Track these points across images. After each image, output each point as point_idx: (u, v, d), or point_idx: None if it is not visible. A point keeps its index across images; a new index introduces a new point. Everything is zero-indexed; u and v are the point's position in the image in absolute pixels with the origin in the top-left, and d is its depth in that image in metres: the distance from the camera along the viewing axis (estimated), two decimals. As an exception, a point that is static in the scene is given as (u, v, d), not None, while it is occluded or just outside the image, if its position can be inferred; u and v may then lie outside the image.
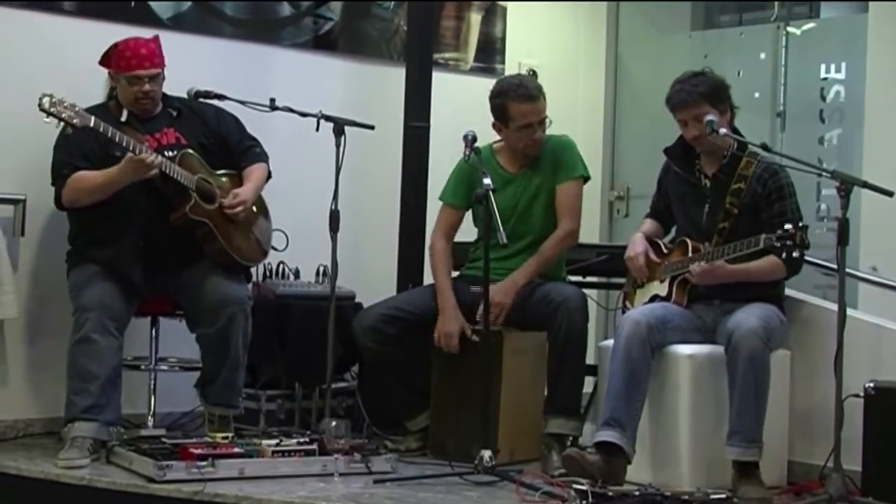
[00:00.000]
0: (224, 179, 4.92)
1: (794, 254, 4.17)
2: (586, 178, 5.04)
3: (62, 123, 4.44)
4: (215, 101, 5.01)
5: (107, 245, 4.67)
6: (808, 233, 4.18)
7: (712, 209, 4.61)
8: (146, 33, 4.88)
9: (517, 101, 4.86)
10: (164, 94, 4.87)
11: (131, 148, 4.53)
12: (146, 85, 4.74)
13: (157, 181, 4.63)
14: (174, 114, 4.89)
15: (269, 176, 5.05)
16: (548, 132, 4.99)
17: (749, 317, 4.39)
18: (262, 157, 5.06)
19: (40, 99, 4.36)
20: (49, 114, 4.37)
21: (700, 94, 4.53)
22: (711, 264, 4.45)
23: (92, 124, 4.46)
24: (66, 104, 4.40)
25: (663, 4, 7.09)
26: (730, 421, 4.35)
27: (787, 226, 4.18)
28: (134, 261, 4.68)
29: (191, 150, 4.82)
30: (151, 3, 5.36)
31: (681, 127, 4.62)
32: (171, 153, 4.75)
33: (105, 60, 4.76)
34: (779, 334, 4.51)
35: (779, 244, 4.18)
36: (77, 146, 4.63)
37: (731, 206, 4.56)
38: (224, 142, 4.99)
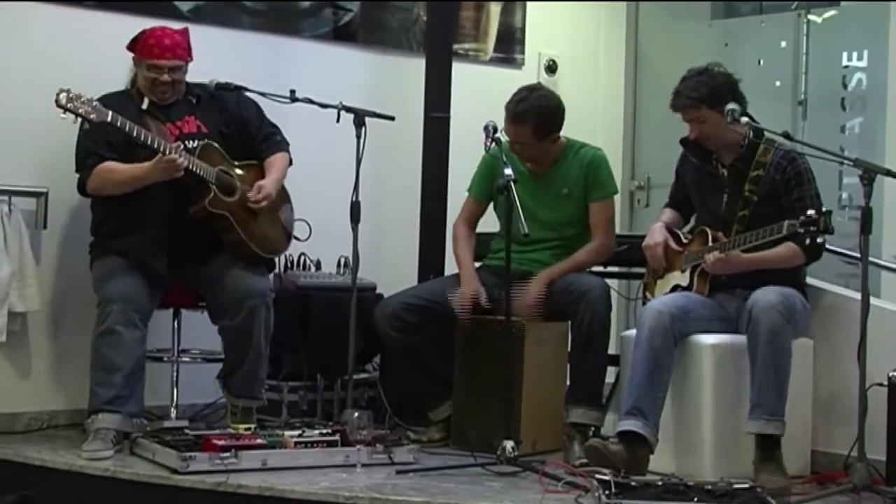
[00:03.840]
0: (244, 171, 4.93)
1: (819, 239, 4.16)
2: (615, 193, 5.12)
3: (77, 120, 4.45)
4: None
5: (130, 235, 4.68)
6: (831, 221, 4.16)
7: (731, 198, 4.61)
8: (167, 25, 4.88)
9: (506, 111, 4.89)
10: (185, 82, 4.88)
11: (157, 146, 4.54)
12: (164, 75, 4.74)
13: (178, 173, 4.64)
14: (194, 101, 4.90)
15: (290, 163, 5.06)
16: (571, 131, 5.01)
17: (768, 293, 4.39)
18: (283, 144, 5.07)
19: (57, 94, 4.37)
20: (66, 109, 4.38)
21: (696, 98, 4.51)
22: (727, 254, 4.44)
23: (109, 119, 4.47)
24: (83, 99, 4.41)
25: (683, -7, 7.07)
26: (751, 398, 4.34)
27: (810, 211, 4.16)
28: (158, 250, 4.69)
29: (212, 142, 4.82)
30: (172, -4, 5.38)
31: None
32: (192, 143, 4.76)
33: (132, 45, 4.78)
34: (801, 318, 4.50)
35: (802, 230, 4.16)
36: (101, 135, 4.64)
37: (750, 193, 4.55)
38: (244, 127, 4.99)
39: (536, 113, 4.86)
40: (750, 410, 4.34)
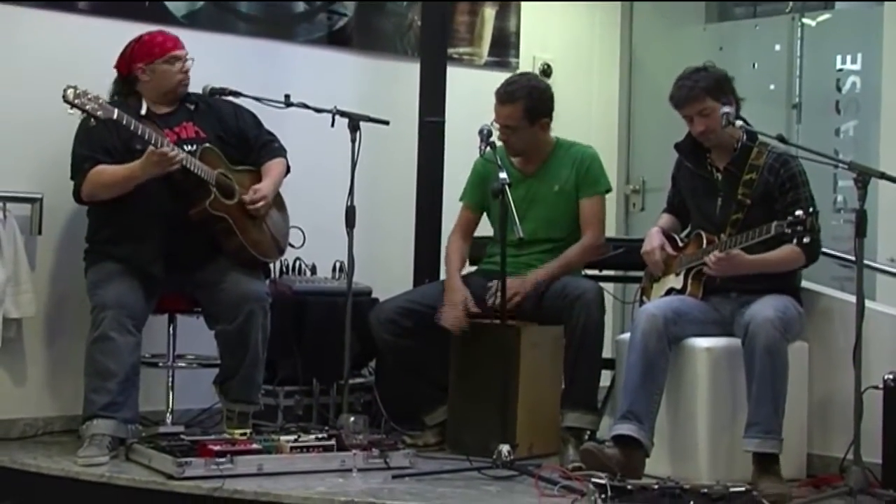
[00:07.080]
0: (241, 176, 4.93)
1: (805, 239, 4.18)
2: (608, 191, 5.08)
3: (84, 116, 4.44)
4: (231, 98, 5.01)
5: (126, 241, 4.67)
6: (825, 224, 4.18)
7: (725, 202, 4.61)
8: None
9: (496, 95, 4.89)
10: (181, 89, 4.89)
11: (153, 141, 4.54)
12: (187, 62, 4.77)
13: (177, 175, 4.63)
14: (192, 108, 4.91)
15: (287, 170, 5.06)
16: (566, 135, 5.01)
17: (765, 308, 4.39)
18: (281, 151, 5.07)
19: (64, 90, 4.35)
20: (73, 105, 4.37)
21: (702, 88, 4.52)
22: (727, 253, 4.44)
23: (115, 116, 4.45)
24: (90, 96, 4.40)
25: (678, -4, 7.08)
26: (748, 413, 4.35)
27: (798, 212, 4.18)
28: (155, 255, 4.68)
29: (211, 145, 4.83)
30: (166, 2, 5.37)
31: (687, 123, 4.62)
32: (190, 147, 4.76)
33: (129, 58, 4.78)
34: (796, 325, 4.50)
35: (789, 230, 4.18)
36: (98, 140, 4.64)
37: (743, 196, 4.55)
38: (242, 136, 5.00)
39: (527, 92, 4.87)
40: (746, 428, 4.33)
